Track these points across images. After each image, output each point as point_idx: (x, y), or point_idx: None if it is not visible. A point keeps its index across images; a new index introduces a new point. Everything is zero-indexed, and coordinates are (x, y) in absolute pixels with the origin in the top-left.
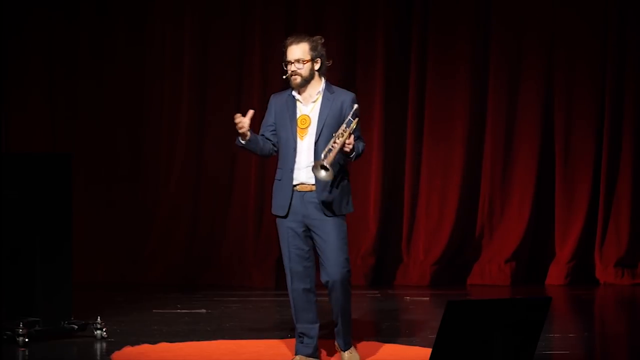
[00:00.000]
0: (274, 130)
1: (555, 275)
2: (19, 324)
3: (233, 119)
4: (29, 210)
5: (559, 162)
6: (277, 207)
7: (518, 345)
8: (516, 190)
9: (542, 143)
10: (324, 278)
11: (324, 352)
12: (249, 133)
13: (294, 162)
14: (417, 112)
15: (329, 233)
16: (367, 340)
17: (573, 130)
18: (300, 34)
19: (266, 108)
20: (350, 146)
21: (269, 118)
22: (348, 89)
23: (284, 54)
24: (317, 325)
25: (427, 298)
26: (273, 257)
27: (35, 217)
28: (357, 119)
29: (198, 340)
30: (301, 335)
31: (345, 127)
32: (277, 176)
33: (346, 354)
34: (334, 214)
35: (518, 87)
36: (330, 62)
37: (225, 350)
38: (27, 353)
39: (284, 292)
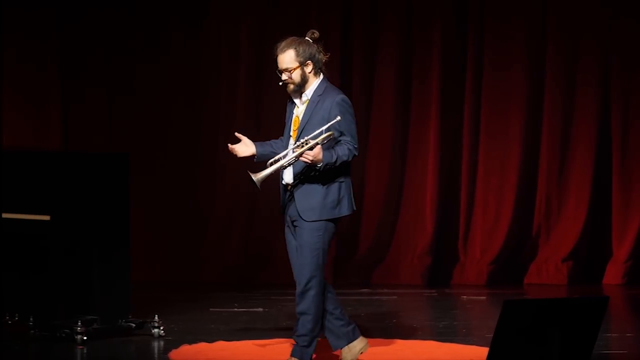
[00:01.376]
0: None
1: (613, 274)
2: (77, 322)
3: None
4: (87, 209)
5: (615, 161)
6: (281, 206)
7: (575, 344)
8: (573, 189)
9: (598, 142)
10: None
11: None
12: (252, 152)
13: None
14: (474, 111)
15: (301, 237)
16: (424, 339)
17: (630, 129)
18: (286, 39)
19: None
20: (308, 158)
21: (284, 121)
22: (405, 89)
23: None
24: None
25: (484, 297)
26: (330, 255)
27: (93, 216)
28: (329, 133)
29: (255, 339)
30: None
31: (310, 139)
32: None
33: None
34: (311, 219)
35: (574, 85)
36: (328, 55)
37: (281, 349)
38: (85, 351)
39: (341, 291)
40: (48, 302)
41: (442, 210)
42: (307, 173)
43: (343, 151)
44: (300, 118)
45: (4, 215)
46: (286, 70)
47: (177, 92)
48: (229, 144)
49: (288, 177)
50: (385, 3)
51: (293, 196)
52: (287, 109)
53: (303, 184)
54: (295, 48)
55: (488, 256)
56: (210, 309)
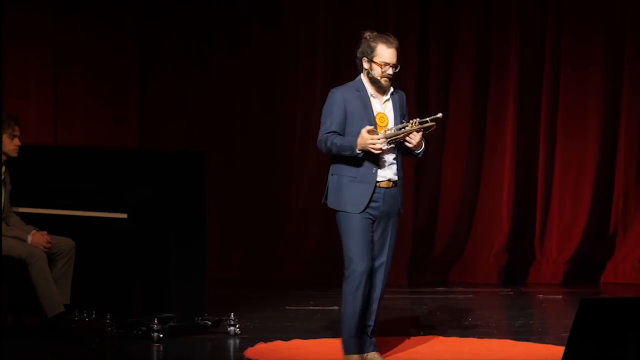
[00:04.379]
0: (341, 126)
1: None
2: (154, 319)
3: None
4: (164, 207)
5: None
6: (354, 204)
7: None
8: None
9: None
10: None
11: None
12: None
13: (378, 159)
14: (551, 110)
15: (393, 232)
16: (500, 338)
17: None
18: (390, 35)
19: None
20: (414, 140)
21: (340, 113)
22: (482, 89)
23: (370, 51)
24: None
25: (560, 296)
26: (406, 255)
27: (171, 214)
28: (433, 123)
29: (331, 337)
30: None
31: (418, 122)
32: (351, 173)
33: None
34: (401, 212)
35: None
36: None
37: None
38: (161, 349)
39: (418, 290)
40: (125, 300)
41: (519, 209)
42: (400, 169)
43: (426, 146)
44: (391, 114)
45: (82, 214)
46: (395, 65)
47: (254, 89)
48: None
49: (391, 173)
50: (462, 2)
51: (391, 192)
52: (347, 103)
53: (399, 179)
54: (399, 47)
55: (564, 255)
56: (286, 307)
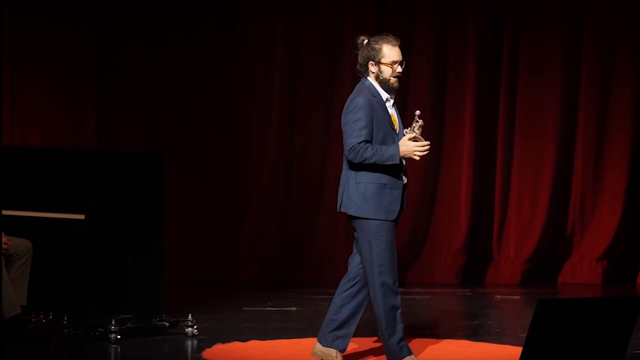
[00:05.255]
0: (371, 133)
1: None
2: (111, 320)
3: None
4: (122, 208)
5: None
6: (387, 211)
7: (609, 344)
8: (608, 189)
9: (633, 142)
10: None
11: None
12: None
13: (402, 164)
14: (508, 111)
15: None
16: (458, 339)
17: None
18: (388, 34)
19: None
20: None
21: (370, 121)
22: (440, 87)
23: (378, 53)
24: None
25: (518, 297)
26: None
27: (128, 215)
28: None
29: (288, 338)
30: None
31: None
32: (381, 180)
33: None
34: None
35: (610, 85)
36: None
37: None
38: (119, 350)
39: None
40: (82, 301)
41: (477, 210)
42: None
43: None
44: (397, 116)
45: (39, 215)
46: (402, 62)
47: (212, 91)
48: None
49: (406, 177)
50: (419, 2)
51: (403, 194)
52: (373, 111)
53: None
54: (400, 44)
55: (522, 255)
56: (244, 308)
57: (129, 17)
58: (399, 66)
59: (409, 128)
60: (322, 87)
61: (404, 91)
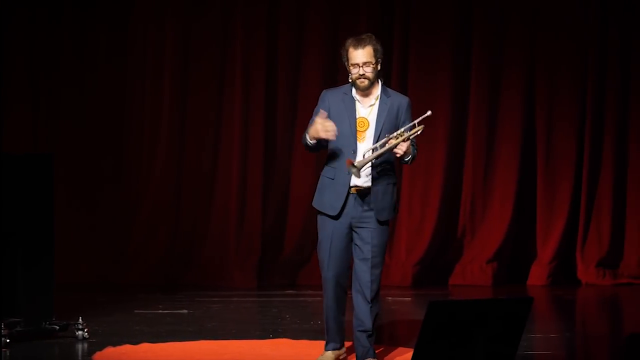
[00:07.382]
0: None
1: (537, 275)
2: (1, 324)
3: (316, 121)
4: (10, 211)
5: (540, 162)
6: (328, 206)
7: (500, 345)
8: (498, 191)
9: (523, 143)
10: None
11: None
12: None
13: (351, 159)
14: None
15: (374, 238)
16: (348, 341)
17: (554, 130)
18: (364, 35)
19: (317, 102)
20: (401, 150)
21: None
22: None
23: (346, 55)
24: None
25: (409, 298)
26: (255, 257)
27: (17, 218)
28: (422, 127)
29: (180, 340)
30: None
31: (403, 131)
32: (328, 174)
33: None
34: (384, 219)
35: (500, 86)
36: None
37: (207, 350)
38: (8, 354)
39: (266, 293)
40: None
41: None
42: (381, 173)
43: (414, 149)
44: (373, 119)
45: None
46: (366, 64)
47: (102, 93)
48: (326, 118)
49: (362, 179)
50: (311, 5)
51: (362, 198)
52: (332, 105)
53: (376, 185)
54: (374, 46)
55: (413, 257)
56: (135, 311)
57: (19, 18)
58: (361, 68)
59: (403, 128)
60: (212, 88)
61: (295, 92)
